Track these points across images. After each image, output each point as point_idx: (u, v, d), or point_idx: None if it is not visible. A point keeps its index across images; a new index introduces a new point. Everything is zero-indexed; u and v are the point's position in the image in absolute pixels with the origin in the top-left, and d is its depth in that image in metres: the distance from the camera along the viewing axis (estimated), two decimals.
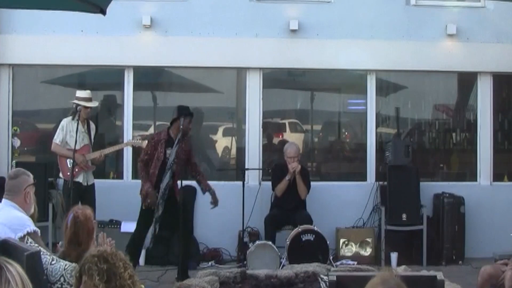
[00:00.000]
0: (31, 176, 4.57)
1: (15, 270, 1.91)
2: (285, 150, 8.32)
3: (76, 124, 7.54)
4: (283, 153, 8.34)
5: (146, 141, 7.58)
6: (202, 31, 8.98)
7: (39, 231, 4.29)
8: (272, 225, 8.13)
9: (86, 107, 7.63)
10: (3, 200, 4.42)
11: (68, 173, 7.52)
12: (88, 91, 7.82)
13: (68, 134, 7.65)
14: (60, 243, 4.55)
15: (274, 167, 8.76)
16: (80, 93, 7.76)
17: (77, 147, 7.47)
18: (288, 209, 8.15)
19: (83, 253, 4.07)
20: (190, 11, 9.03)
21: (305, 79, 9.90)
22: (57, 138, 7.69)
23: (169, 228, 7.63)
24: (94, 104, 7.84)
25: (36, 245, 4.00)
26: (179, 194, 7.29)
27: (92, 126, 7.90)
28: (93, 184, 7.81)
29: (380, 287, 2.50)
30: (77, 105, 7.64)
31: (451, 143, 9.83)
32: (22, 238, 4.08)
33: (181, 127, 7.20)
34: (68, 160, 7.59)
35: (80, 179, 7.61)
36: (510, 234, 5.95)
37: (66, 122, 7.70)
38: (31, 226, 4.21)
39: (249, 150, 9.10)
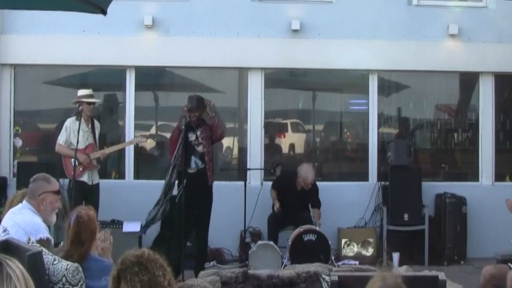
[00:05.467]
0: (53, 183, 4.54)
1: (15, 265, 1.92)
2: (304, 175, 8.15)
3: (79, 124, 7.56)
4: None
5: (149, 140, 7.63)
6: (204, 31, 8.98)
7: (52, 240, 4.32)
8: (275, 224, 8.14)
9: (89, 104, 7.64)
10: (24, 201, 4.47)
11: (72, 173, 7.53)
12: (90, 89, 7.84)
13: (72, 134, 7.66)
14: (62, 243, 4.55)
15: (280, 174, 8.78)
16: (81, 92, 7.78)
17: (82, 146, 7.54)
18: (291, 209, 8.15)
19: (86, 253, 4.09)
20: (192, 11, 9.03)
21: (307, 79, 9.89)
22: (61, 139, 7.71)
23: (171, 228, 7.62)
24: (96, 100, 7.84)
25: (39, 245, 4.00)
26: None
27: (97, 124, 7.91)
28: (98, 184, 7.81)
29: (380, 285, 2.51)
30: (79, 104, 7.65)
31: (453, 143, 9.83)
32: (29, 241, 4.09)
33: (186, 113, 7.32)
34: (72, 160, 7.60)
35: (84, 178, 7.63)
36: (511, 240, 5.91)
37: (70, 122, 7.72)
38: (45, 233, 4.24)
39: (251, 150, 9.10)
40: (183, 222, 7.14)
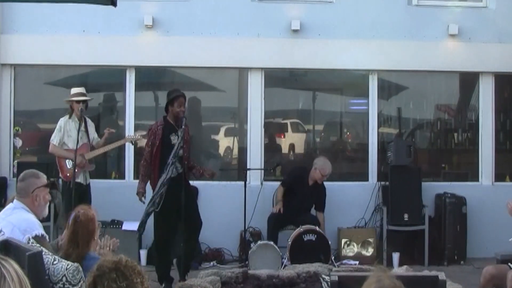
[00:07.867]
0: (42, 177, 4.58)
1: (10, 266, 1.90)
2: (321, 166, 8.32)
3: (73, 123, 7.53)
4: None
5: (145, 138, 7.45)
6: (204, 31, 8.98)
7: (47, 236, 4.32)
8: (275, 224, 8.14)
9: (78, 102, 7.57)
10: (15, 201, 4.47)
11: (68, 174, 7.51)
12: (82, 88, 7.78)
13: (65, 134, 7.60)
14: (59, 239, 4.56)
15: (294, 169, 8.81)
16: (73, 90, 7.72)
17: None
18: (292, 209, 8.14)
19: (83, 253, 4.08)
20: (192, 11, 9.03)
21: (307, 79, 9.89)
22: (54, 139, 7.60)
23: (172, 228, 7.56)
24: (86, 98, 7.68)
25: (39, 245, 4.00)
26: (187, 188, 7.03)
27: (89, 122, 7.83)
28: (89, 183, 7.78)
29: (375, 286, 2.49)
30: (71, 104, 7.60)
31: (453, 143, 9.82)
32: (29, 241, 4.10)
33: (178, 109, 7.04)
34: (67, 161, 7.56)
35: (80, 179, 7.57)
36: (510, 239, 5.91)
37: (63, 122, 7.63)
38: (39, 230, 4.24)
39: (251, 150, 9.10)
40: (177, 226, 7.02)
